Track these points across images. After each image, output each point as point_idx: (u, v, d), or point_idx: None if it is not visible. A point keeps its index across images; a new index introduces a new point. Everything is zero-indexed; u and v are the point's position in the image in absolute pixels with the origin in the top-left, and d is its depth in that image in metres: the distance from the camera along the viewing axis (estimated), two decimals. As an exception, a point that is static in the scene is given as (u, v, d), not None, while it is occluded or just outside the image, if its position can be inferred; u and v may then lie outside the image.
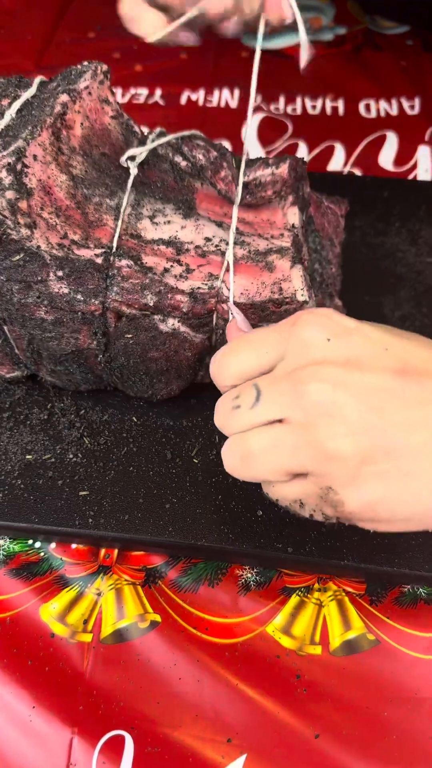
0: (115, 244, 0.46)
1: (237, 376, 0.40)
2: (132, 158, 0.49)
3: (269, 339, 0.39)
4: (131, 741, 0.44)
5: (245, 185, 0.49)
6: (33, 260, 0.44)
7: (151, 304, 0.46)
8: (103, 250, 0.46)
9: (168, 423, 0.55)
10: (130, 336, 0.48)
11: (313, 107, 0.90)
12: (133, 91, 0.93)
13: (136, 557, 0.51)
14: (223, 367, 0.40)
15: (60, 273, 0.45)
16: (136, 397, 0.54)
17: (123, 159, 0.49)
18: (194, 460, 0.53)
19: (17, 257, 0.44)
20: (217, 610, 0.49)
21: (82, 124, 0.49)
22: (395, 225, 0.70)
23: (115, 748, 0.44)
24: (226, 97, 0.92)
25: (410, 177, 0.80)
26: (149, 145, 0.50)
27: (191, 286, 0.46)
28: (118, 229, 0.46)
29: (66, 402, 0.56)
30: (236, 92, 0.93)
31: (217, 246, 0.48)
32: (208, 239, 0.48)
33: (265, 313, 0.46)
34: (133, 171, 0.49)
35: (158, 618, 0.48)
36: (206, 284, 0.46)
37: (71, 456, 0.53)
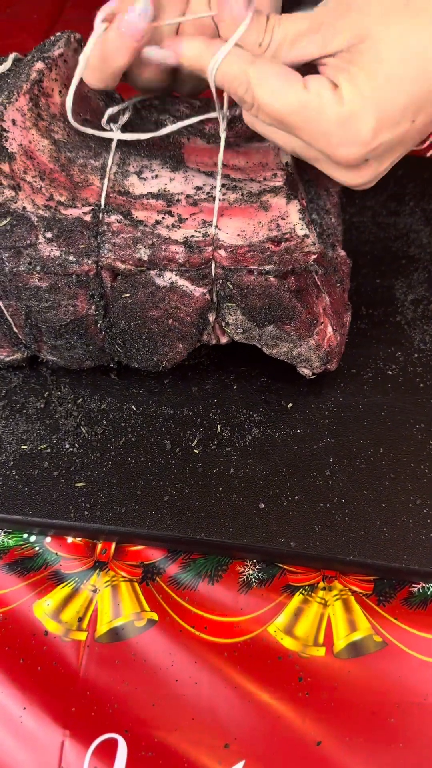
0: (103, 202, 0.45)
1: None
2: (114, 121, 0.48)
3: None
4: (125, 744, 0.42)
5: (232, 122, 0.47)
6: (20, 223, 0.44)
7: (146, 258, 0.44)
8: (91, 207, 0.45)
9: (168, 412, 0.53)
10: (127, 295, 0.46)
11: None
12: None
13: (134, 552, 0.49)
14: None
15: (49, 234, 0.44)
16: (142, 368, 0.52)
17: (104, 121, 0.48)
18: (195, 451, 0.51)
19: (4, 222, 0.44)
20: (217, 608, 0.47)
21: (60, 92, 0.48)
22: (409, 204, 0.68)
23: (108, 751, 0.42)
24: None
25: (428, 155, 0.77)
26: (127, 102, 0.48)
27: (185, 234, 0.45)
28: (105, 187, 0.46)
29: (63, 390, 0.54)
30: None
31: (208, 193, 0.46)
32: (198, 188, 0.47)
33: (265, 254, 0.44)
34: (116, 129, 0.47)
35: (155, 616, 0.46)
36: (200, 231, 0.45)
37: (68, 446, 0.51)
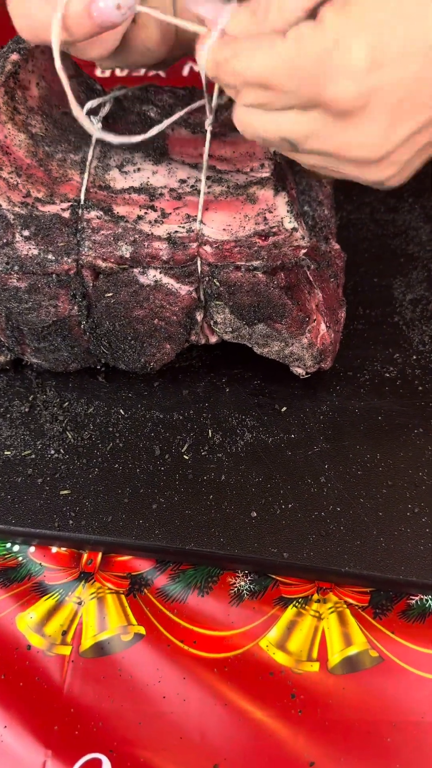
0: (82, 197, 0.44)
1: None
2: (94, 113, 0.46)
3: None
4: (109, 765, 0.40)
5: (218, 111, 0.45)
6: None
7: (128, 256, 0.43)
8: (70, 204, 0.44)
9: (158, 416, 0.51)
10: (110, 295, 0.45)
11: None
12: None
13: (121, 563, 0.47)
14: None
15: (26, 233, 0.43)
16: (130, 370, 0.51)
17: (83, 113, 0.45)
18: (185, 457, 0.49)
19: None
20: (207, 621, 0.45)
21: (38, 84, 0.46)
22: (408, 201, 0.66)
23: (91, 772, 0.40)
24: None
25: None
26: (107, 96, 0.47)
27: (168, 230, 0.43)
28: (84, 182, 0.44)
29: (49, 394, 0.52)
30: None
31: (192, 187, 0.45)
32: (182, 181, 0.45)
33: (252, 249, 0.42)
34: (96, 122, 0.45)
35: (143, 630, 0.45)
36: (184, 227, 0.43)
37: (53, 452, 0.49)
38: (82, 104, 0.47)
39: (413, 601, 0.45)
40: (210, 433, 0.50)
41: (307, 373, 0.50)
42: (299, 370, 0.50)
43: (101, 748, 0.41)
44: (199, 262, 0.43)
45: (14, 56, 0.45)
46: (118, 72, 0.88)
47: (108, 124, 0.47)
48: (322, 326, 0.47)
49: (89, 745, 0.41)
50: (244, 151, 0.47)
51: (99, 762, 0.41)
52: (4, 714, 0.42)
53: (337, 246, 0.50)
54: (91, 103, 0.45)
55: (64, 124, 0.47)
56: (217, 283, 0.44)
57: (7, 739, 0.41)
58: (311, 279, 0.46)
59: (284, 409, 0.51)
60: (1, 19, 0.46)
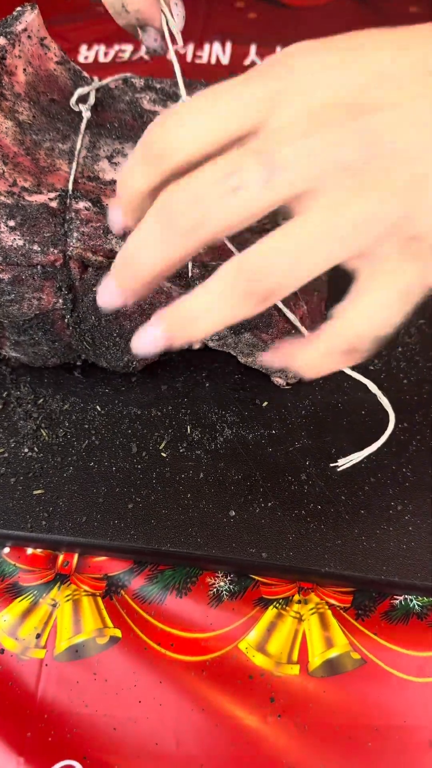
0: (70, 187, 0.42)
1: (202, 141, 0.27)
2: (84, 101, 0.46)
3: (244, 91, 0.27)
4: (83, 773, 0.39)
5: None
6: None
7: (118, 249, 0.42)
8: (58, 193, 0.42)
9: (135, 412, 0.50)
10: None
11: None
12: (117, 47, 0.86)
13: (97, 564, 0.46)
14: (179, 128, 0.27)
15: (11, 223, 0.41)
16: (111, 368, 0.49)
17: (72, 101, 0.45)
18: (162, 454, 0.48)
19: None
20: (185, 623, 0.44)
21: (25, 70, 0.45)
22: None
23: (64, 780, 0.39)
24: (217, 52, 0.85)
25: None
26: (96, 84, 0.46)
27: None
28: (73, 172, 0.43)
29: (23, 390, 0.51)
30: (228, 47, 0.85)
31: None
32: None
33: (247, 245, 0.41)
34: (85, 110, 0.45)
35: (118, 633, 0.43)
36: None
37: (26, 450, 0.48)
38: (70, 91, 0.47)
39: (397, 602, 0.44)
40: (189, 429, 0.49)
41: (287, 384, 0.49)
42: (280, 381, 0.49)
43: (75, 755, 0.40)
44: (189, 265, 0.42)
45: (0, 41, 0.43)
46: (101, 57, 0.86)
47: (97, 112, 0.47)
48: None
49: (63, 751, 0.40)
50: None
51: (72, 769, 0.39)
52: (-24, 720, 0.41)
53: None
54: (80, 90, 0.45)
55: (51, 112, 0.46)
56: None
57: (-21, 747, 0.40)
58: (296, 291, 0.45)
59: (265, 404, 0.50)
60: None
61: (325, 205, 0.27)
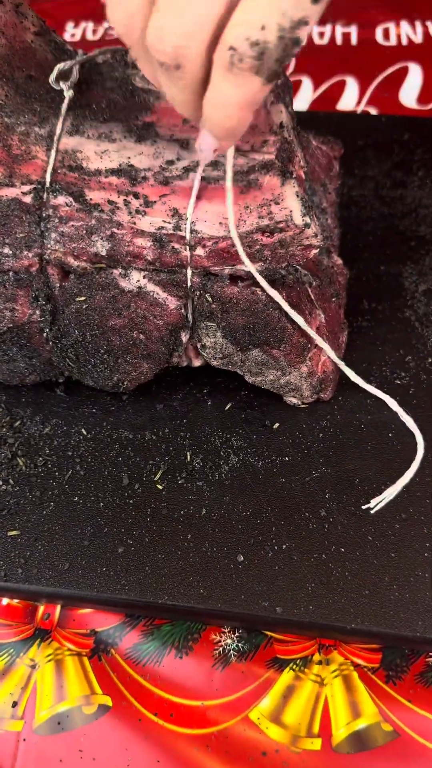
0: (48, 179, 0.38)
1: None
2: (65, 77, 0.40)
3: None
4: None
5: None
6: None
7: (104, 253, 0.38)
8: (33, 186, 0.38)
9: (126, 436, 0.44)
10: (82, 299, 0.40)
11: (321, 35, 0.78)
12: (107, 24, 0.81)
13: (83, 618, 0.40)
14: None
15: None
16: (98, 388, 0.45)
17: (52, 78, 0.40)
18: (158, 486, 0.42)
19: None
20: (186, 689, 0.38)
21: None
22: (418, 174, 0.59)
23: None
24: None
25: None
26: (81, 58, 0.41)
27: (152, 223, 0.38)
28: (51, 161, 0.39)
29: (-2, 411, 0.45)
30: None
31: (183, 169, 0.39)
32: (170, 162, 0.40)
33: (253, 248, 0.37)
34: (67, 88, 0.40)
35: (109, 701, 0.38)
36: (170, 223, 0.38)
37: (0, 483, 0.42)
38: (50, 66, 0.42)
39: (433, 661, 0.38)
40: (188, 456, 0.43)
41: (303, 404, 0.45)
42: (294, 401, 0.45)
43: None
44: (188, 274, 0.38)
45: None
46: (89, 35, 0.80)
47: (81, 90, 0.42)
48: (324, 352, 0.42)
49: None
50: None
51: None
52: None
53: (339, 261, 0.45)
54: (61, 65, 0.40)
55: (28, 91, 0.42)
56: (210, 299, 0.38)
57: None
58: (313, 298, 0.41)
59: (276, 425, 0.44)
60: None
61: None
